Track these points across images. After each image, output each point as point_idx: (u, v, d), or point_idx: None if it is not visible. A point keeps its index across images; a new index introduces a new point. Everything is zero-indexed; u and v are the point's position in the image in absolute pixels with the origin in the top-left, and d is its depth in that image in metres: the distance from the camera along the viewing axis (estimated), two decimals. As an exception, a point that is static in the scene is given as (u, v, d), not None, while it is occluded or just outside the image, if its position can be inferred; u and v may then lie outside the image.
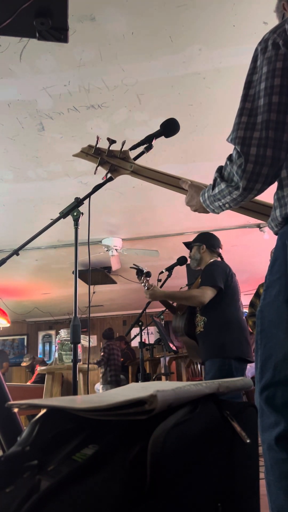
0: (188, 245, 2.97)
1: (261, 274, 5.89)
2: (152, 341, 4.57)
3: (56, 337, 4.26)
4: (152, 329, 7.63)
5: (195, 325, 2.77)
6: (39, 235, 1.82)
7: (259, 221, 4.43)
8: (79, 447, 0.64)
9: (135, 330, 3.37)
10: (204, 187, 1.37)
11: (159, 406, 0.59)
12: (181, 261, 3.04)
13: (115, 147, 1.72)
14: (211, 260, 2.79)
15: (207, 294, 2.58)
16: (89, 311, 2.10)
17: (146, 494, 0.54)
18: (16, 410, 1.04)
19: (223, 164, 1.15)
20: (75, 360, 1.76)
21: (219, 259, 2.85)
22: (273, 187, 1.15)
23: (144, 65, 2.62)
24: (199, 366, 5.93)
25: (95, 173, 1.79)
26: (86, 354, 5.43)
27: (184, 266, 3.15)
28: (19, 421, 1.15)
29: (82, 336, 2.00)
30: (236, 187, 1.10)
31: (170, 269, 3.07)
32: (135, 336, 3.61)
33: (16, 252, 1.77)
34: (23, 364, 7.67)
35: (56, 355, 3.76)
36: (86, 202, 1.85)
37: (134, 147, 1.70)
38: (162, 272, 3.06)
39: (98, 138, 1.73)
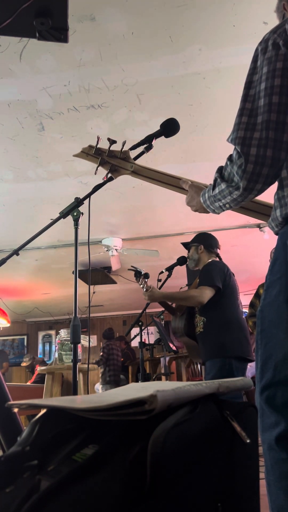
0: (186, 245, 2.98)
1: (261, 274, 5.89)
2: (152, 341, 4.57)
3: (56, 337, 4.26)
4: (152, 329, 7.63)
5: (194, 325, 2.77)
6: (39, 235, 1.82)
7: (259, 221, 4.43)
8: (79, 447, 0.64)
9: (135, 330, 3.37)
10: (205, 187, 1.37)
11: (159, 406, 0.59)
12: (181, 261, 3.04)
13: (116, 147, 1.72)
14: (209, 260, 2.79)
15: (206, 294, 2.58)
16: (89, 311, 2.10)
17: (146, 494, 0.54)
18: (16, 410, 1.04)
19: (223, 164, 1.15)
20: (75, 360, 1.76)
21: (217, 259, 2.85)
22: (273, 187, 1.15)
23: (144, 65, 2.62)
24: (199, 366, 5.93)
25: (95, 173, 1.79)
26: (86, 354, 5.43)
27: (184, 266, 3.15)
28: (19, 421, 1.15)
29: (82, 336, 2.00)
30: (237, 187, 1.10)
31: (170, 269, 3.06)
32: (135, 336, 3.61)
33: (16, 252, 1.77)
34: (23, 364, 7.67)
35: (56, 355, 3.76)
36: (86, 202, 1.85)
37: (134, 147, 1.70)
38: (162, 272, 3.06)
39: (98, 138, 1.73)
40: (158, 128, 1.73)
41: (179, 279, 4.40)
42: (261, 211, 1.46)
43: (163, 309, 3.23)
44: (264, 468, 1.06)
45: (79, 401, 0.73)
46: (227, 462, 0.69)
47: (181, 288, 3.59)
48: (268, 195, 1.24)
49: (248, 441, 0.69)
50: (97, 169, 1.76)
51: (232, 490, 0.70)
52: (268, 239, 5.04)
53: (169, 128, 1.73)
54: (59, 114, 3.02)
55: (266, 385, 1.08)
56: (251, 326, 4.07)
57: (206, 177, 1.72)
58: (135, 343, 6.74)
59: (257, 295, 4.32)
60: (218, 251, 2.89)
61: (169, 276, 3.10)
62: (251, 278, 6.73)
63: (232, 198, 1.14)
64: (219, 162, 1.20)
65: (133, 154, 1.73)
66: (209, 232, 3.07)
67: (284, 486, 1.01)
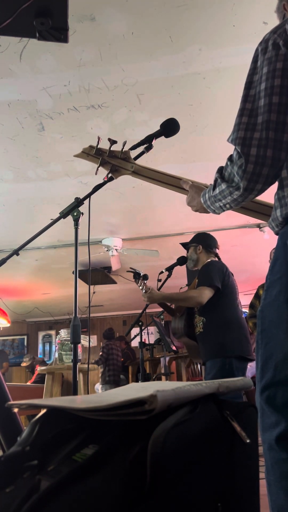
0: (185, 245, 2.98)
1: (261, 274, 5.90)
2: (152, 341, 4.56)
3: (56, 337, 4.26)
4: (152, 329, 7.63)
5: (194, 325, 2.77)
6: (39, 235, 1.82)
7: (259, 221, 4.43)
8: (79, 447, 0.64)
9: (135, 330, 3.37)
10: (205, 187, 1.37)
11: (159, 406, 0.59)
12: (181, 261, 3.04)
13: (116, 147, 1.72)
14: (208, 260, 2.79)
15: (205, 294, 2.58)
16: (89, 311, 2.10)
17: (146, 494, 0.54)
18: (16, 410, 1.04)
19: (223, 164, 1.15)
20: (75, 360, 1.76)
21: (216, 259, 2.85)
22: (274, 187, 1.15)
23: (144, 65, 2.62)
24: (199, 366, 5.93)
25: (96, 174, 1.79)
26: (86, 354, 5.43)
27: (184, 266, 3.15)
28: (19, 421, 1.15)
29: (82, 336, 2.00)
30: (237, 188, 1.10)
31: (170, 269, 3.06)
32: (135, 336, 3.60)
33: (16, 252, 1.77)
34: (23, 364, 7.67)
35: (56, 355, 3.76)
36: (86, 202, 1.85)
37: (134, 147, 1.70)
38: (162, 272, 3.06)
39: (99, 138, 1.73)
40: (158, 128, 1.73)
41: (179, 279, 4.39)
42: (261, 211, 1.46)
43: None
44: (265, 468, 1.06)
45: (79, 401, 0.73)
46: (227, 462, 0.70)
47: (181, 288, 3.59)
48: (268, 195, 1.24)
49: (248, 441, 0.69)
50: (97, 169, 1.76)
51: (232, 490, 0.70)
52: (268, 239, 5.04)
53: (169, 128, 1.73)
54: (59, 114, 3.02)
55: (267, 385, 1.08)
56: (251, 327, 4.07)
57: (206, 177, 1.72)
58: (135, 343, 6.74)
59: (257, 296, 4.32)
60: (217, 251, 2.89)
61: (169, 276, 3.10)
62: (251, 278, 6.73)
63: (233, 198, 1.14)
64: (219, 162, 1.20)
65: (133, 154, 1.73)
66: (208, 232, 3.07)
67: (284, 486, 1.01)
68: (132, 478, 0.55)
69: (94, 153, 1.73)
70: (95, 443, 0.64)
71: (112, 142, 1.69)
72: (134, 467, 0.56)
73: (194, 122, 3.17)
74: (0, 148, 3.37)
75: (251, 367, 4.26)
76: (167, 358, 4.96)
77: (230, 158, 1.11)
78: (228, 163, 1.11)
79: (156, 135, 1.72)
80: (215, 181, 1.18)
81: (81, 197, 1.87)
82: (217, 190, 1.18)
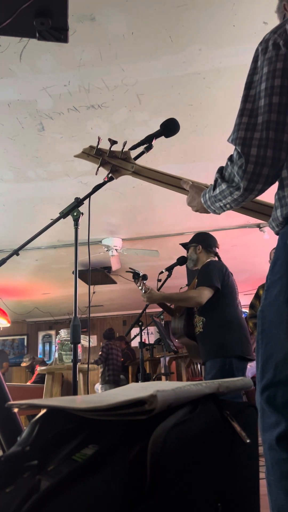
0: (185, 246, 2.98)
1: (261, 274, 5.89)
2: (152, 341, 4.56)
3: (56, 337, 4.26)
4: (152, 329, 7.63)
5: (194, 325, 2.77)
6: (39, 235, 1.82)
7: (259, 221, 4.43)
8: (79, 447, 0.64)
9: (135, 330, 3.37)
10: (205, 187, 1.37)
11: (159, 406, 0.59)
12: (181, 261, 3.04)
13: (116, 147, 1.72)
14: (208, 260, 2.79)
15: (204, 294, 2.58)
16: (89, 311, 2.10)
17: (146, 494, 0.54)
18: (16, 410, 1.04)
19: (223, 164, 1.16)
20: (75, 360, 1.76)
21: (215, 258, 2.85)
22: (274, 187, 1.15)
23: (144, 65, 2.62)
24: (199, 366, 5.93)
25: (96, 174, 1.79)
26: (86, 354, 5.43)
27: (184, 266, 3.15)
28: (19, 421, 1.15)
29: (82, 336, 2.00)
30: (237, 188, 1.10)
31: (170, 269, 3.07)
32: (135, 336, 3.60)
33: (16, 252, 1.77)
34: (23, 364, 7.67)
35: (56, 355, 3.76)
36: (86, 202, 1.85)
37: (134, 147, 1.70)
38: (162, 272, 3.06)
39: (99, 139, 1.73)
40: (158, 128, 1.73)
41: (179, 279, 4.39)
42: (262, 211, 1.46)
43: (162, 309, 3.23)
44: (265, 468, 1.06)
45: (79, 401, 0.73)
46: (227, 462, 0.69)
47: (181, 288, 3.59)
48: (269, 195, 1.24)
49: (248, 441, 0.69)
50: (98, 169, 1.76)
51: (232, 490, 0.70)
52: (268, 239, 5.04)
53: (169, 128, 1.73)
54: (59, 114, 3.02)
55: (267, 385, 1.08)
56: (251, 327, 4.06)
57: (206, 177, 1.72)
58: (135, 343, 6.74)
59: (257, 296, 4.32)
60: (217, 250, 2.89)
61: (169, 276, 3.10)
62: (251, 278, 6.73)
63: (233, 198, 1.14)
64: (219, 162, 1.20)
65: (133, 154, 1.73)
66: (207, 232, 3.07)
67: (284, 486, 1.01)
68: (132, 478, 0.55)
69: (94, 154, 1.73)
70: (95, 443, 0.64)
71: (113, 142, 1.69)
72: (134, 467, 0.56)
73: (194, 122, 3.17)
74: (0, 148, 3.37)
75: (251, 367, 4.26)
76: (167, 358, 4.96)
77: (230, 158, 1.11)
78: (228, 163, 1.11)
79: (156, 135, 1.72)
80: (215, 181, 1.19)
81: (81, 197, 1.87)
82: (217, 190, 1.18)
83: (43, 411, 0.71)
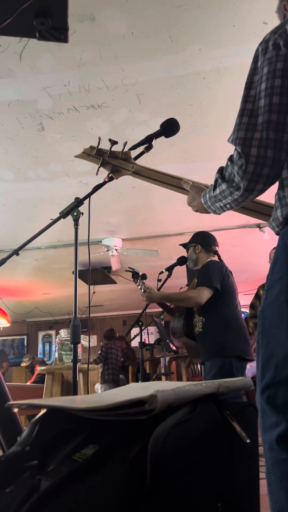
0: (185, 246, 2.98)
1: (261, 274, 5.89)
2: (152, 341, 4.56)
3: (56, 337, 4.26)
4: (152, 329, 7.63)
5: (193, 325, 2.77)
6: (39, 235, 1.82)
7: (259, 221, 4.43)
8: (79, 447, 0.64)
9: (135, 330, 3.37)
10: (206, 187, 1.37)
11: (159, 406, 0.59)
12: (181, 261, 3.04)
13: (117, 148, 1.72)
14: (208, 260, 2.79)
15: (204, 294, 2.58)
16: (89, 311, 2.10)
17: (146, 494, 0.54)
18: (16, 410, 1.04)
19: (223, 164, 1.16)
20: (75, 360, 1.76)
21: (215, 257, 2.85)
22: (274, 187, 1.15)
23: (144, 65, 2.62)
24: (199, 366, 5.93)
25: (96, 174, 1.79)
26: (86, 354, 5.43)
27: (184, 266, 3.15)
28: (19, 421, 1.15)
29: (82, 336, 2.00)
30: (237, 188, 1.10)
31: (170, 269, 3.07)
32: (135, 336, 3.60)
33: (16, 252, 1.77)
34: (23, 364, 7.66)
35: (56, 355, 3.76)
36: (86, 202, 1.85)
37: (134, 147, 1.70)
38: (162, 272, 3.06)
39: (99, 139, 1.73)
40: (158, 128, 1.73)
41: (179, 279, 4.40)
42: (262, 211, 1.46)
43: (162, 309, 3.23)
44: (265, 468, 1.06)
45: (79, 401, 0.73)
46: (227, 462, 0.69)
47: (181, 288, 3.59)
48: (269, 195, 1.24)
49: (248, 441, 0.69)
50: (98, 170, 1.76)
51: (232, 490, 0.70)
52: (268, 239, 5.04)
53: (169, 128, 1.73)
54: (59, 114, 3.02)
55: (267, 385, 1.08)
56: (251, 327, 4.06)
57: (206, 177, 1.72)
58: (135, 343, 6.74)
59: (257, 296, 4.31)
60: (217, 248, 2.89)
61: (169, 276, 3.10)
62: (251, 278, 6.73)
63: (233, 198, 1.14)
64: (219, 162, 1.20)
65: (133, 154, 1.73)
66: (206, 231, 3.07)
67: (285, 486, 1.01)
68: (132, 478, 0.55)
69: (95, 154, 1.73)
70: (95, 443, 0.64)
71: (113, 142, 1.69)
72: (134, 467, 0.56)
73: (194, 122, 3.17)
74: (0, 148, 3.37)
75: (251, 367, 4.26)
76: (167, 358, 4.96)
77: (231, 159, 1.11)
78: (229, 163, 1.11)
79: (156, 135, 1.72)
80: (216, 181, 1.19)
81: (81, 197, 1.87)
82: (217, 190, 1.18)
83: (43, 411, 0.71)
